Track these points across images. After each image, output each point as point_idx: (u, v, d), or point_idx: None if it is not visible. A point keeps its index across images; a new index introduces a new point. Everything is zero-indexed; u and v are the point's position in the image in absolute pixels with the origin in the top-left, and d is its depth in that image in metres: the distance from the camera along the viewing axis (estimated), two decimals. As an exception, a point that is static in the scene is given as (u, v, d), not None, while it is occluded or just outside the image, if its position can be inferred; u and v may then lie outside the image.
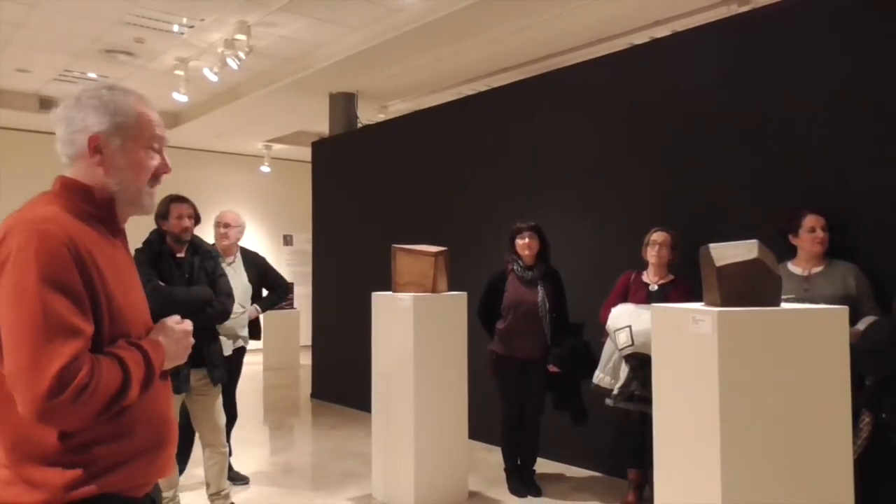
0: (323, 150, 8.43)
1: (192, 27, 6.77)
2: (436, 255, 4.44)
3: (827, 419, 2.34)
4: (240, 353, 4.74)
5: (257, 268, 5.00)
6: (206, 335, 3.69)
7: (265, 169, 12.08)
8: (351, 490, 4.73)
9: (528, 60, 7.18)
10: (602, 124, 5.10)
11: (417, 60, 7.15)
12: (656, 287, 4.25)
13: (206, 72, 7.29)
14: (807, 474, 2.31)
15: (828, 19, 3.91)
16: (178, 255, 3.78)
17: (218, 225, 4.79)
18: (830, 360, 2.34)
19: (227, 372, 4.09)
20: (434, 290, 4.44)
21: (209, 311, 3.69)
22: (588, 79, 5.26)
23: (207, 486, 3.97)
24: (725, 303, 2.28)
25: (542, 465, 4.88)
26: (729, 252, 2.33)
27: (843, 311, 2.40)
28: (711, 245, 2.41)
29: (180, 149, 11.57)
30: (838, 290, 3.41)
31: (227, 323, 4.14)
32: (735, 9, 5.39)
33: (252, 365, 8.60)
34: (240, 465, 5.02)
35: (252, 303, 4.87)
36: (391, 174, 7.19)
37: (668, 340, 2.44)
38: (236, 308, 4.31)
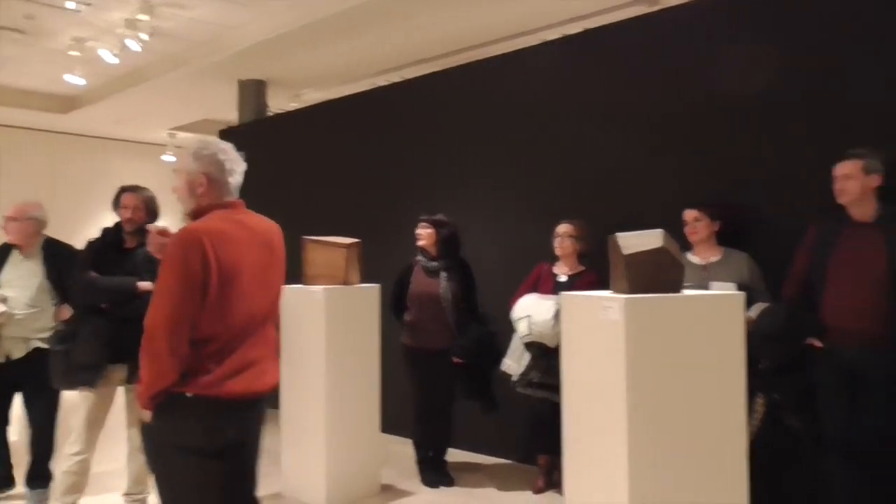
0: (231, 140, 8.12)
1: (89, 4, 6.40)
2: (348, 246, 4.37)
3: (725, 399, 2.44)
4: (40, 354, 3.93)
5: (61, 263, 4.21)
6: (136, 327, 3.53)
7: (168, 158, 11.60)
8: (259, 488, 4.59)
9: (443, 53, 7.19)
10: (515, 119, 5.15)
11: (332, 48, 7.03)
12: (565, 278, 4.33)
13: (105, 53, 6.91)
14: (707, 453, 2.41)
15: (726, 22, 4.08)
16: (128, 246, 3.65)
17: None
18: (728, 343, 2.44)
19: (32, 377, 3.82)
20: (346, 282, 4.36)
21: (139, 302, 3.45)
22: (503, 73, 5.30)
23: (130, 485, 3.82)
24: (633, 290, 2.34)
25: (455, 455, 4.90)
26: (636, 241, 2.39)
27: (739, 296, 2.51)
28: (619, 234, 2.47)
29: (76, 136, 10.98)
30: (733, 279, 3.58)
31: (18, 322, 3.97)
32: (644, 9, 5.55)
33: None
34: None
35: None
36: (303, 165, 7.04)
37: (578, 328, 2.48)
38: (23, 308, 4.00)
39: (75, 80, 7.55)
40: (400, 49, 7.11)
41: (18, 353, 3.99)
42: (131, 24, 6.48)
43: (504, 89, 5.24)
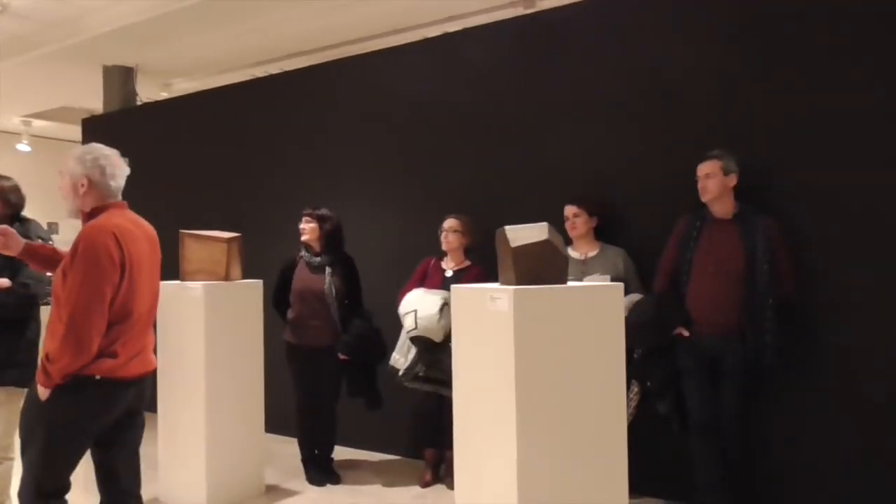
0: (95, 129, 7.64)
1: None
2: (228, 241, 4.22)
3: (607, 386, 2.58)
4: None
5: None
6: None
7: (23, 147, 10.71)
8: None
9: (324, 46, 7.05)
10: (396, 114, 5.17)
11: (204, 36, 6.72)
12: (451, 272, 4.40)
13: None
14: (590, 440, 2.53)
15: (607, 24, 4.29)
16: None
17: None
18: (609, 332, 2.57)
19: None
20: (227, 277, 4.22)
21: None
22: (385, 68, 5.30)
23: None
24: (520, 281, 2.42)
25: (341, 453, 4.87)
26: (523, 234, 2.48)
27: (617, 287, 2.65)
28: (507, 227, 2.54)
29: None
30: (609, 272, 3.79)
31: None
32: (521, 10, 5.71)
33: None
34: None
35: None
36: (178, 157, 6.71)
37: (467, 320, 2.54)
38: None
39: None
40: (277, 40, 6.91)
41: None
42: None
43: (387, 83, 5.24)
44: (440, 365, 4.11)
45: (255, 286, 4.38)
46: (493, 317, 2.34)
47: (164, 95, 8.39)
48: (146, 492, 4.34)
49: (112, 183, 2.68)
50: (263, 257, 4.86)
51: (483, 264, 4.30)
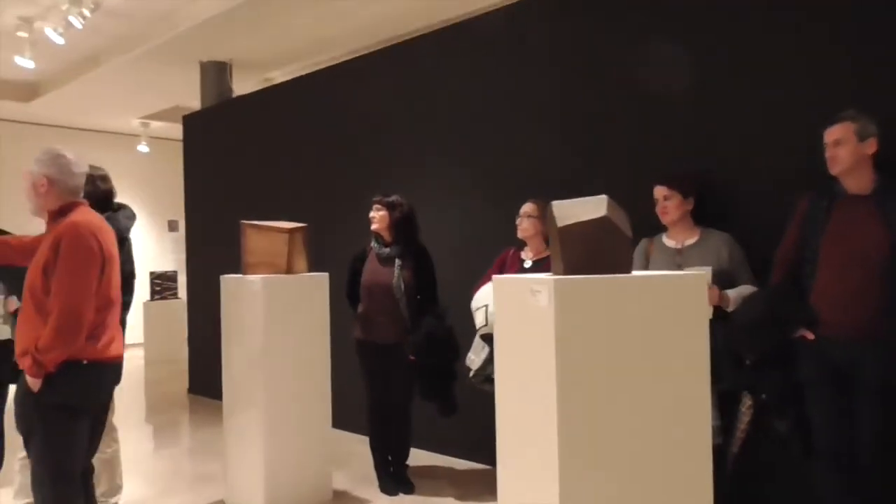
0: (195, 126, 7.75)
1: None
2: (290, 231, 3.96)
3: (682, 400, 2.02)
4: None
5: None
6: None
7: (143, 148, 11.17)
8: (203, 495, 4.21)
9: (414, 30, 6.74)
10: (469, 96, 4.74)
11: (297, 19, 6.53)
12: (531, 263, 3.92)
13: (50, 32, 6.48)
14: (656, 467, 1.99)
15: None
16: None
17: None
18: (686, 333, 2.02)
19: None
20: (289, 270, 3.96)
21: None
22: (465, 48, 4.87)
23: None
24: (568, 269, 1.93)
25: (418, 457, 4.51)
26: (574, 210, 1.97)
27: (699, 277, 2.08)
28: (556, 202, 2.05)
29: (41, 125, 10.53)
30: (711, 262, 3.15)
31: None
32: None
33: (133, 360, 7.94)
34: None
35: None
36: (267, 149, 6.62)
37: (509, 315, 2.08)
38: None
39: (25, 62, 7.11)
40: (372, 22, 6.64)
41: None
42: (75, 1, 6.04)
43: (474, 54, 4.81)
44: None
45: (319, 279, 4.10)
46: (535, 312, 1.86)
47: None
48: (214, 493, 4.23)
49: (70, 182, 2.82)
50: (345, 249, 4.55)
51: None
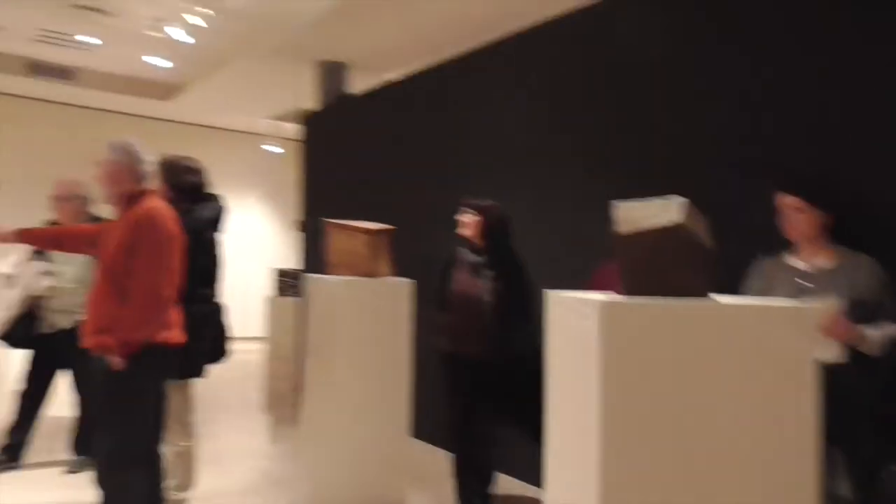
0: (313, 126, 7.80)
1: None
2: (372, 233, 3.74)
3: (772, 466, 1.55)
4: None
5: None
6: None
7: (273, 148, 11.50)
8: (278, 498, 4.08)
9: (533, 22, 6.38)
10: (611, 89, 4.32)
11: (412, 9, 6.34)
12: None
13: (176, 32, 6.70)
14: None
15: None
16: None
17: None
18: (779, 380, 1.54)
19: (77, 348, 3.55)
20: (370, 273, 3.74)
21: None
22: (574, 33, 4.48)
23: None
24: (629, 289, 1.53)
25: (505, 485, 4.16)
26: (641, 214, 1.56)
27: (799, 311, 1.60)
28: (624, 204, 1.64)
29: (177, 123, 11.09)
30: (845, 291, 2.55)
31: (63, 295, 4.10)
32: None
33: (253, 353, 8.14)
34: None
35: None
36: (381, 147, 6.48)
37: (560, 337, 1.71)
38: (69, 282, 4.16)
39: (160, 62, 7.43)
40: (488, 19, 6.34)
41: (65, 324, 4.08)
42: (204, 1, 6.20)
43: (606, 47, 4.41)
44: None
45: (401, 285, 3.85)
46: (583, 338, 1.48)
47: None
48: (290, 497, 4.11)
49: (140, 169, 2.94)
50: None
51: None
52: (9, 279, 4.11)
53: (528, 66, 4.82)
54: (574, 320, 1.54)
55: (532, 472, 4.34)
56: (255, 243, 11.53)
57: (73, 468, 4.26)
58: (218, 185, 9.91)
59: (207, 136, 11.43)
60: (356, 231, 3.76)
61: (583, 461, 1.49)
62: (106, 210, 3.38)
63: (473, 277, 3.75)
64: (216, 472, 4.50)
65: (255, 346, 7.98)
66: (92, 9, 6.95)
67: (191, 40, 6.87)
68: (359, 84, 7.86)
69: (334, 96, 7.55)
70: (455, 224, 4.56)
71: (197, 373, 3.46)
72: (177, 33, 6.75)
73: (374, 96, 6.96)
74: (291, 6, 6.65)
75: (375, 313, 3.72)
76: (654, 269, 1.51)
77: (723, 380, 1.51)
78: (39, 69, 9.05)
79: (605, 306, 1.44)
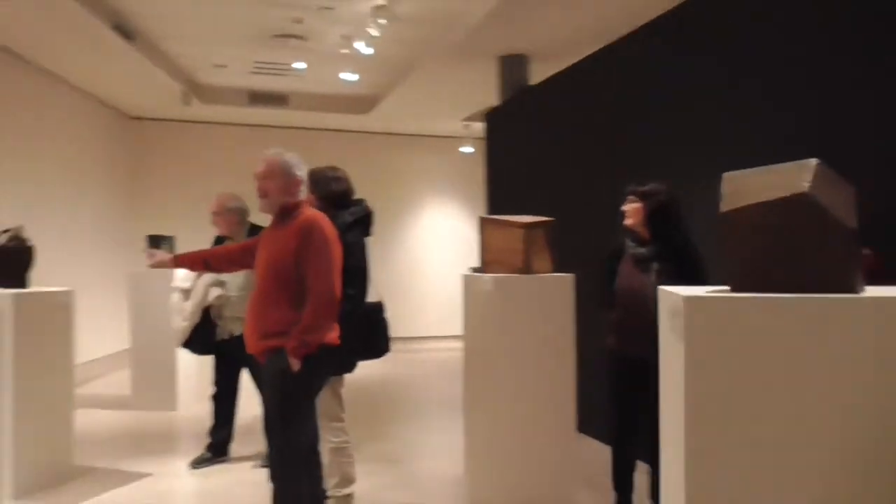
0: (496, 122, 7.79)
1: (334, -2, 6.50)
2: (527, 226, 3.59)
3: None
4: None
5: None
6: None
7: (466, 150, 11.71)
8: (443, 496, 4.08)
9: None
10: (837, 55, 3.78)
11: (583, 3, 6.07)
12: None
13: (360, 46, 7.03)
14: None
15: None
16: None
17: None
18: None
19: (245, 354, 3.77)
20: (526, 269, 3.59)
21: None
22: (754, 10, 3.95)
23: None
24: (738, 280, 1.22)
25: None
26: (754, 183, 1.24)
27: None
28: (730, 174, 1.33)
29: (378, 134, 11.69)
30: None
31: (233, 303, 4.42)
32: None
33: (450, 351, 8.39)
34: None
35: None
36: (562, 138, 6.29)
37: (665, 332, 1.44)
38: (237, 290, 4.46)
39: (350, 77, 7.87)
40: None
41: (238, 330, 4.27)
42: (376, 12, 6.43)
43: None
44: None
45: (561, 281, 3.65)
46: (677, 338, 1.22)
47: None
48: (455, 496, 4.08)
49: (302, 181, 3.13)
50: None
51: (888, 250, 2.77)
52: (185, 293, 4.55)
53: (723, 28, 4.35)
54: (673, 317, 1.28)
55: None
56: (454, 244, 11.82)
57: (264, 462, 4.54)
58: (417, 189, 10.37)
59: (405, 143, 11.94)
60: (510, 226, 3.64)
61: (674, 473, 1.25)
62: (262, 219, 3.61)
63: (638, 271, 3.44)
64: (384, 471, 4.61)
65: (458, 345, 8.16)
66: (290, 36, 7.53)
67: (374, 52, 7.16)
68: (542, 76, 7.69)
69: (515, 90, 7.46)
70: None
71: (349, 369, 3.59)
72: (363, 47, 7.08)
73: (550, 85, 6.76)
74: (458, 6, 6.67)
75: (533, 311, 3.57)
76: (770, 255, 1.20)
77: (850, 389, 1.18)
78: (258, 98, 10.04)
79: (690, 302, 1.18)
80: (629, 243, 3.59)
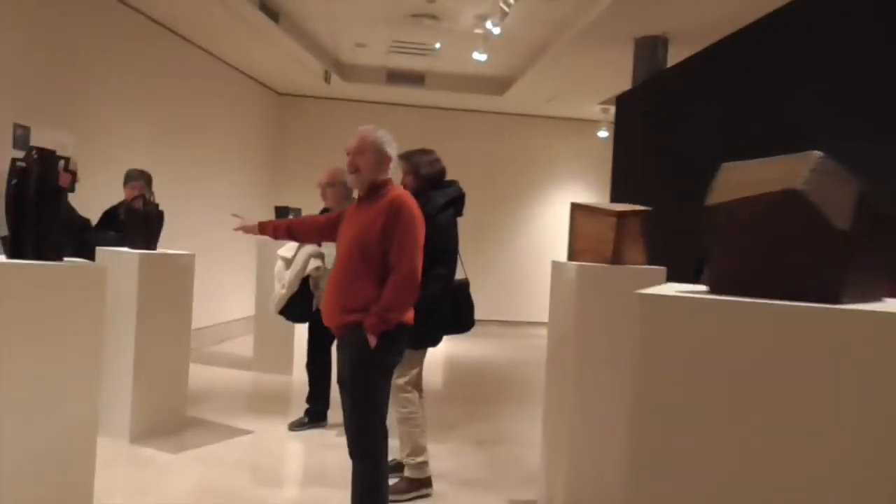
0: (627, 106, 7.42)
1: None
2: (620, 215, 3.38)
3: None
4: None
5: None
6: None
7: (603, 134, 11.32)
8: (519, 488, 3.99)
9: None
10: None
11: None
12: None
13: (489, 24, 6.95)
14: None
15: None
16: None
17: None
18: None
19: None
20: (616, 260, 3.39)
21: None
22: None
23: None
24: (716, 281, 1.04)
25: None
26: (751, 176, 1.05)
27: None
28: (730, 164, 1.14)
29: (513, 115, 11.57)
30: None
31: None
32: None
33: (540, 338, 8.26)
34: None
35: None
36: (695, 123, 5.89)
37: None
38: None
39: (479, 57, 7.82)
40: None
41: None
42: (506, -9, 6.32)
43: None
44: None
45: (653, 273, 3.41)
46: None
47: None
48: (530, 489, 3.98)
49: (392, 159, 3.12)
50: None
51: None
52: (287, 262, 4.70)
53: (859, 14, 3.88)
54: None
55: None
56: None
57: (296, 425, 4.94)
58: (552, 172, 10.11)
59: (541, 126, 11.72)
60: (602, 214, 3.45)
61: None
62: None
63: None
64: (471, 451, 4.59)
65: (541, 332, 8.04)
66: (427, 15, 7.59)
67: (506, 32, 7.06)
68: (681, 59, 7.24)
69: (649, 74, 7.07)
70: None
71: (434, 343, 3.74)
72: (495, 28, 6.99)
73: (682, 70, 6.34)
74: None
75: (618, 304, 3.36)
76: (752, 256, 1.02)
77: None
78: (395, 77, 10.25)
79: (646, 300, 1.03)
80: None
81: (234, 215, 3.74)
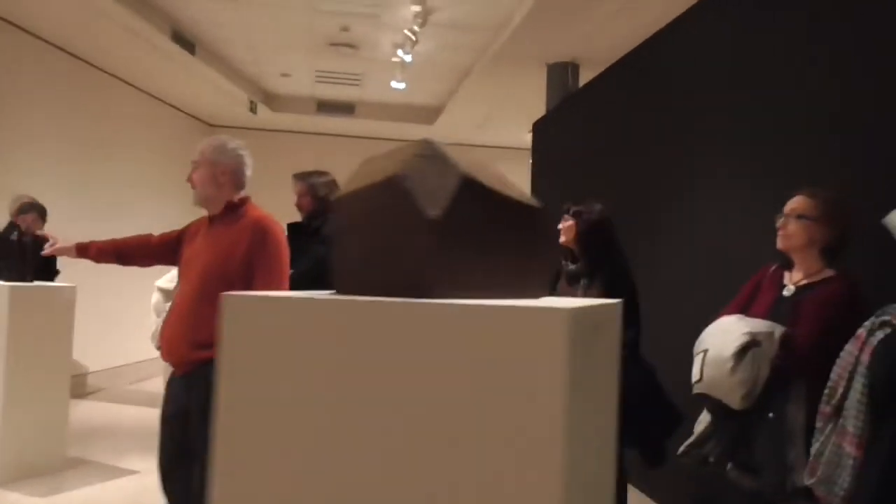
0: (542, 131, 7.47)
1: (377, 5, 6.44)
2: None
3: None
4: None
5: None
6: None
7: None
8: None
9: None
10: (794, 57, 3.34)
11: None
12: (792, 289, 2.53)
13: (400, 53, 6.94)
14: None
15: None
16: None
17: None
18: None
19: None
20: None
21: None
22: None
23: None
24: (338, 278, 0.97)
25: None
26: (375, 165, 0.99)
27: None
28: (373, 156, 1.09)
29: (445, 144, 11.58)
30: None
31: None
32: None
33: None
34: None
35: None
36: (597, 143, 5.93)
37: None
38: None
39: (398, 85, 7.81)
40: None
41: None
42: (416, 18, 6.32)
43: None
44: (748, 447, 2.41)
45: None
46: None
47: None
48: None
49: (246, 175, 2.87)
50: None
51: (851, 277, 2.36)
52: (167, 294, 4.52)
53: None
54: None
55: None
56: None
57: None
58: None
59: (473, 154, 11.66)
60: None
61: None
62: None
63: (570, 288, 3.23)
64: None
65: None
66: (344, 44, 7.54)
67: (409, 59, 7.05)
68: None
69: (561, 98, 7.13)
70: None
71: None
72: (407, 56, 6.99)
73: (591, 91, 6.40)
74: (495, 11, 6.44)
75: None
76: (365, 250, 0.97)
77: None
78: (325, 107, 10.20)
79: (229, 301, 0.99)
80: (563, 261, 3.37)
81: (44, 235, 3.53)
